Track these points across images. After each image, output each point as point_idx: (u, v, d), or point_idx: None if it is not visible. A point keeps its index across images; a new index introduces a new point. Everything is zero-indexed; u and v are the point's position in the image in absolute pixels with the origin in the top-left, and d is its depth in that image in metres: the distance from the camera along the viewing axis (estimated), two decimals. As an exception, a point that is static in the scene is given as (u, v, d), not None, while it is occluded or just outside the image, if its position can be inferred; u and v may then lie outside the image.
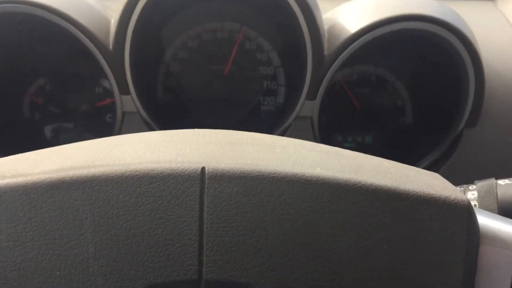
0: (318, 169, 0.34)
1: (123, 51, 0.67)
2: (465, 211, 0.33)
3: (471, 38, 0.67)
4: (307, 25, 0.67)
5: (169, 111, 0.85)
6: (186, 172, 0.32)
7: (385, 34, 0.67)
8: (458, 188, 0.56)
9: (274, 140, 0.40)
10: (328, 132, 0.85)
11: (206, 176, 0.32)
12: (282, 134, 0.74)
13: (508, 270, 0.34)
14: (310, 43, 0.67)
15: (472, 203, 0.53)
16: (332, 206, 0.32)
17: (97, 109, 0.84)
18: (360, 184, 0.33)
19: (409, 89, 0.83)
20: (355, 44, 0.67)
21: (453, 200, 0.33)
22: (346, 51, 0.68)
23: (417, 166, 0.77)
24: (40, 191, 0.31)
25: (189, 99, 0.85)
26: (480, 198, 0.53)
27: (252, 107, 0.86)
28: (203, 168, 0.32)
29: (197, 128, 0.77)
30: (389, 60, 0.83)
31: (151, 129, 0.73)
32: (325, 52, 0.69)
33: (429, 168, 0.77)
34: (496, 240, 0.34)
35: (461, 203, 0.33)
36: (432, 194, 0.33)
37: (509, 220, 0.38)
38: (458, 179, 0.60)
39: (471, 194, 0.54)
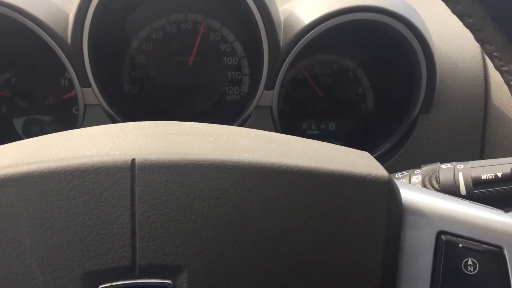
0: (246, 154, 0.35)
1: (81, 44, 0.68)
2: (385, 186, 0.35)
3: (421, 27, 0.69)
4: (262, 17, 0.68)
5: (135, 102, 0.86)
6: (117, 164, 0.34)
7: (338, 25, 0.69)
8: (405, 172, 0.58)
9: (210, 129, 0.41)
10: (292, 120, 0.87)
11: (136, 167, 0.34)
12: (243, 123, 0.76)
13: (430, 237, 0.36)
14: (266, 35, 0.68)
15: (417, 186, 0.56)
16: (258, 189, 0.34)
17: (63, 101, 0.85)
18: (285, 166, 0.35)
19: (370, 77, 0.85)
20: (309, 35, 0.69)
21: (374, 177, 0.35)
22: (300, 42, 0.69)
23: (377, 151, 0.80)
24: None
25: (155, 90, 0.87)
26: (424, 182, 0.56)
27: (217, 97, 0.87)
28: (133, 160, 0.34)
29: (163, 118, 0.79)
30: (350, 49, 0.85)
31: (114, 121, 0.74)
32: (281, 44, 0.70)
33: (388, 152, 0.79)
34: (418, 210, 0.36)
35: (381, 179, 0.35)
36: (354, 172, 0.35)
37: (432, 192, 0.41)
38: (415, 163, 0.62)
39: (416, 178, 0.56)
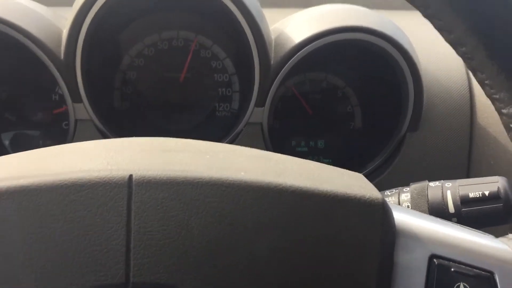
0: (242, 173, 0.36)
1: (74, 60, 0.68)
2: (379, 209, 0.35)
3: (408, 47, 0.71)
4: (253, 36, 0.70)
5: (126, 118, 0.86)
6: (114, 180, 0.34)
7: (328, 44, 0.70)
8: (394, 190, 0.59)
9: (207, 146, 0.42)
10: (282, 137, 0.88)
11: (134, 183, 0.34)
12: (234, 139, 0.77)
13: (423, 260, 0.36)
14: (257, 53, 0.70)
15: (405, 204, 0.57)
16: (254, 207, 0.34)
17: (53, 116, 0.85)
18: (281, 186, 0.35)
19: (359, 95, 0.87)
20: (299, 54, 0.70)
21: (368, 199, 0.36)
22: (291, 60, 0.71)
23: (365, 169, 0.81)
24: None
25: (146, 106, 0.87)
26: (412, 200, 0.56)
27: (208, 113, 0.88)
28: (130, 176, 0.34)
29: (153, 134, 0.79)
30: (339, 67, 0.86)
31: (105, 136, 0.75)
32: (272, 62, 0.71)
33: (376, 170, 0.80)
34: (411, 234, 0.37)
35: (375, 201, 0.36)
36: (349, 194, 0.36)
37: (424, 214, 0.41)
38: (402, 181, 0.63)
39: (405, 196, 0.57)
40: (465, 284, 0.36)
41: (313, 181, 0.36)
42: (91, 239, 0.33)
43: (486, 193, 0.52)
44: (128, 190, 0.34)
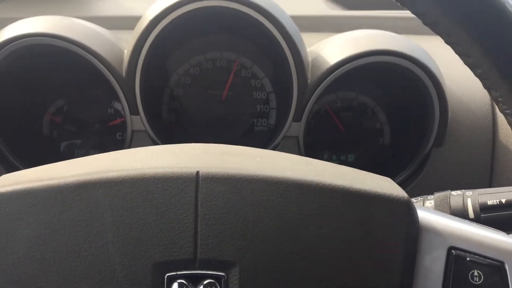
0: (289, 172, 0.43)
1: (134, 77, 0.77)
2: (405, 206, 0.42)
3: (434, 69, 0.78)
4: (293, 58, 0.77)
5: (172, 130, 0.94)
6: (184, 175, 0.41)
7: (360, 66, 0.77)
8: (419, 198, 0.65)
9: (256, 152, 0.49)
10: (314, 151, 0.95)
11: (200, 178, 0.41)
12: (272, 151, 0.84)
13: (442, 252, 0.42)
14: (296, 74, 0.77)
15: (429, 210, 0.62)
16: (299, 201, 0.41)
17: (108, 128, 0.94)
18: (321, 184, 0.42)
19: (387, 113, 0.93)
20: (334, 74, 0.77)
21: (395, 197, 0.42)
22: (326, 80, 0.78)
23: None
24: (70, 190, 0.40)
25: (191, 120, 0.95)
26: (436, 206, 0.62)
27: (247, 128, 0.96)
28: (197, 172, 0.41)
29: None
30: (369, 87, 0.93)
31: (157, 145, 0.83)
32: (309, 81, 0.79)
33: (403, 183, 0.86)
34: (433, 228, 0.43)
35: (402, 199, 0.42)
36: (379, 192, 0.42)
37: (444, 214, 0.47)
38: (427, 192, 0.69)
39: (429, 202, 0.63)
40: (479, 272, 0.42)
41: (349, 181, 0.43)
42: (166, 223, 0.40)
43: (503, 200, 0.57)
44: (195, 184, 0.41)
